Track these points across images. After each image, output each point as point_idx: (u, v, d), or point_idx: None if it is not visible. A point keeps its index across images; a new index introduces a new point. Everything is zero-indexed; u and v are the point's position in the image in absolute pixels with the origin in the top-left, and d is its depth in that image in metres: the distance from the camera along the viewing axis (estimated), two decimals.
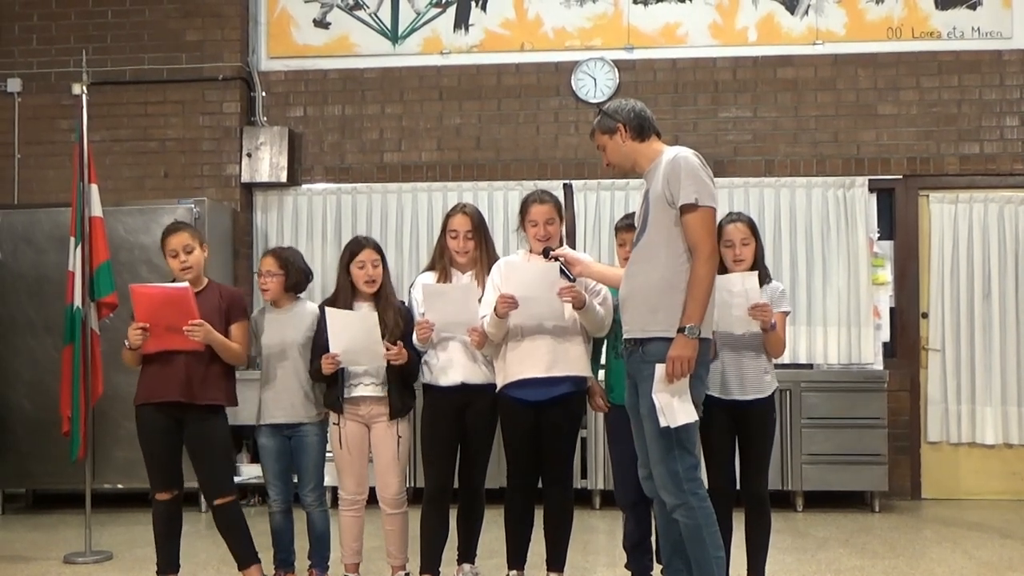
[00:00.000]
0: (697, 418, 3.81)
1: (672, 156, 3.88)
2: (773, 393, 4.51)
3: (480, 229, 4.70)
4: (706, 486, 3.92)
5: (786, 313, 4.57)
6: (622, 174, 4.15)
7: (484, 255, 4.69)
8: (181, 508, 4.69)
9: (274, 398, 4.72)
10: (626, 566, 4.69)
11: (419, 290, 4.63)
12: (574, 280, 4.30)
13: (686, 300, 3.75)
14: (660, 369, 3.74)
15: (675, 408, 3.74)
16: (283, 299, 4.82)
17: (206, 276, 4.72)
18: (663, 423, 3.75)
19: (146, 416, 4.58)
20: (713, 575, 3.80)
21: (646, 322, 3.84)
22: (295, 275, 4.81)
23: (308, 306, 4.86)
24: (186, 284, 4.52)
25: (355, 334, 4.49)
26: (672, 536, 3.98)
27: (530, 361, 4.41)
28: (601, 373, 4.71)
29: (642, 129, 4.01)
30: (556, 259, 4.33)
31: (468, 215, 4.68)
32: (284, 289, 4.79)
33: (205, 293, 4.60)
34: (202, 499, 6.83)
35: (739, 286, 4.34)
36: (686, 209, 3.77)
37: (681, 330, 3.71)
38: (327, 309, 4.61)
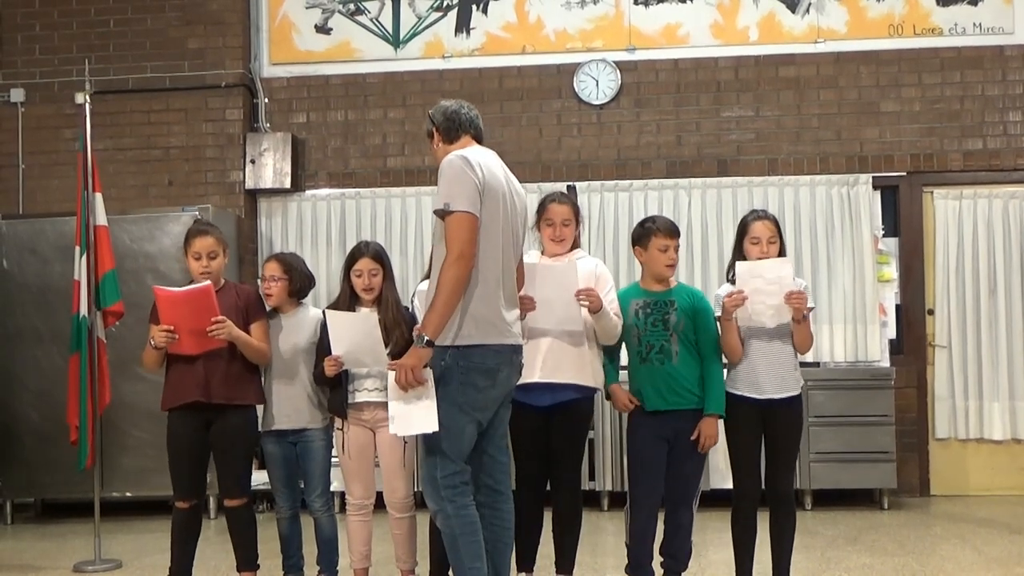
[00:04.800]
0: (436, 429, 3.67)
1: (444, 160, 3.78)
2: (801, 390, 4.49)
3: None
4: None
5: (810, 309, 4.47)
6: None
7: None
8: (200, 518, 4.72)
9: (278, 404, 4.71)
10: None
11: (419, 298, 4.63)
12: None
13: (430, 305, 3.62)
14: (391, 376, 3.69)
15: (410, 416, 3.67)
16: (287, 304, 4.80)
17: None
18: (392, 430, 3.73)
19: (175, 421, 4.59)
20: None
21: None
22: (299, 279, 4.80)
23: (311, 311, 4.85)
24: (207, 283, 4.51)
25: (356, 335, 4.47)
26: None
27: (535, 365, 4.38)
28: (622, 374, 4.66)
29: (449, 131, 3.94)
30: None
31: None
32: (288, 294, 4.79)
33: (223, 293, 4.60)
34: (211, 506, 6.86)
35: (772, 273, 4.24)
36: (440, 214, 3.69)
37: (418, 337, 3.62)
38: (327, 311, 4.61)
